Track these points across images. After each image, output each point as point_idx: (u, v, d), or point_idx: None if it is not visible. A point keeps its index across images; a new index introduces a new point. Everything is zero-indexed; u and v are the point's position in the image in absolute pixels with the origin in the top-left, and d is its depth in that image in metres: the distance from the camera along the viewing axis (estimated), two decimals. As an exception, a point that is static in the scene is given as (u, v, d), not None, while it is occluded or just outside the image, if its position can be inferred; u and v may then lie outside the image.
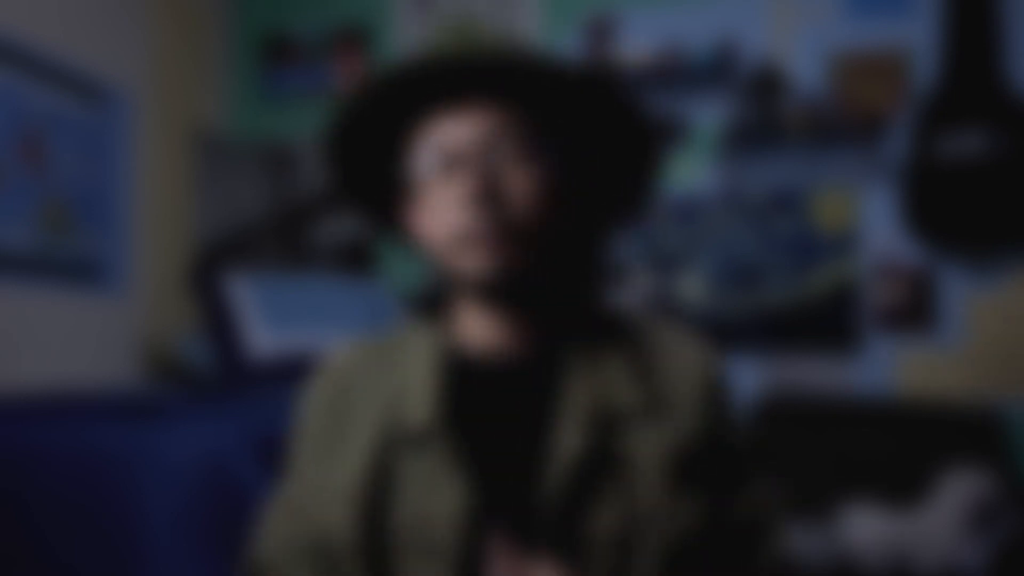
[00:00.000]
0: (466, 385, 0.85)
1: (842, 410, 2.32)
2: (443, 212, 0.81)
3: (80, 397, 2.01)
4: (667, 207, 2.64)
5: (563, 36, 2.79)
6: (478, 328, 0.86)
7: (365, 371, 0.89)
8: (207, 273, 2.41)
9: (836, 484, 2.10)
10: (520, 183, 0.81)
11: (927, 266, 2.43)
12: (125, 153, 2.63)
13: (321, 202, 2.91)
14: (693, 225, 2.63)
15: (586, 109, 0.86)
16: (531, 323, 0.86)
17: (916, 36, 2.47)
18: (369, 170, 0.91)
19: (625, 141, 0.89)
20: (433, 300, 0.93)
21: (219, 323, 2.31)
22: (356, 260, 2.90)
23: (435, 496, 0.80)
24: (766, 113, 2.57)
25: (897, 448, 2.14)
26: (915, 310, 2.43)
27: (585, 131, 0.87)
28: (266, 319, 2.34)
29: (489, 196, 0.79)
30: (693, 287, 2.62)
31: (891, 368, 2.45)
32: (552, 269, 0.88)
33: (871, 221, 2.49)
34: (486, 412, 0.84)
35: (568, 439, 0.80)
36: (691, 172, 2.63)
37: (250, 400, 1.95)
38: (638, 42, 2.70)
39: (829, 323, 2.49)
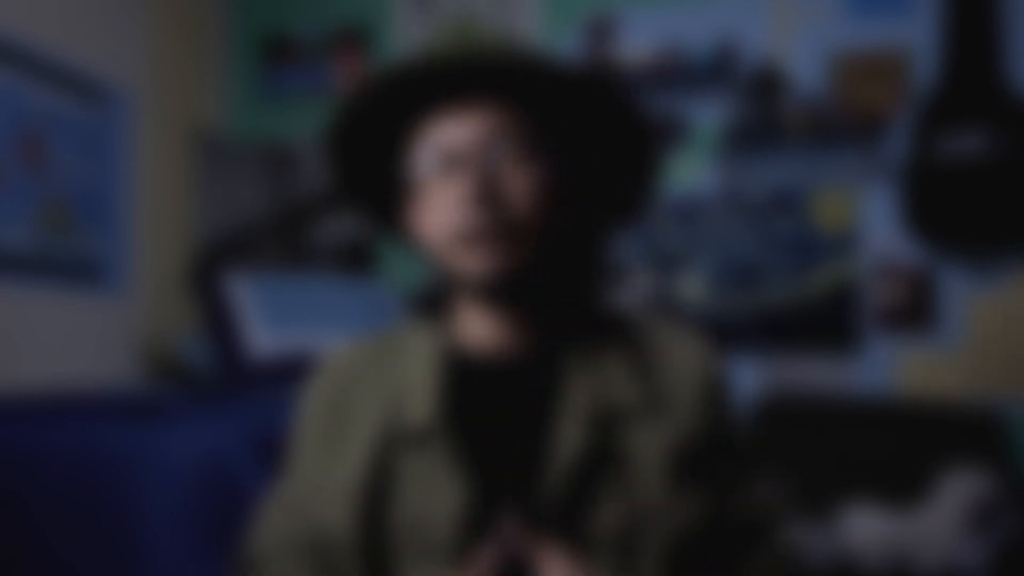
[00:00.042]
0: (466, 384, 0.85)
1: (842, 410, 2.32)
2: (443, 212, 0.82)
3: (80, 397, 2.01)
4: (667, 207, 2.64)
5: (563, 36, 2.79)
6: (478, 328, 0.86)
7: (365, 370, 0.90)
8: (207, 273, 2.41)
9: (836, 484, 2.10)
10: (519, 183, 0.81)
11: (927, 266, 2.43)
12: (125, 153, 2.63)
13: (321, 202, 2.91)
14: (693, 225, 2.63)
15: (586, 109, 0.86)
16: (531, 323, 0.86)
17: (916, 36, 2.47)
18: (369, 170, 0.91)
19: (625, 141, 0.89)
20: (433, 300, 0.93)
21: (219, 323, 2.31)
22: (356, 260, 2.90)
23: (435, 495, 0.80)
24: (766, 113, 2.57)
25: (897, 448, 2.14)
26: (915, 310, 2.43)
27: (585, 131, 0.88)
28: (266, 319, 2.34)
29: (488, 196, 0.79)
30: (693, 287, 2.62)
31: (891, 368, 2.45)
32: (552, 269, 0.88)
33: (871, 221, 2.49)
34: (486, 411, 0.84)
35: (568, 438, 0.80)
36: (691, 172, 2.63)
37: (250, 400, 1.95)
38: (638, 42, 2.70)
39: (829, 323, 2.49)
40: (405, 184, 0.88)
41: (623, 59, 2.70)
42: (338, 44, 3.01)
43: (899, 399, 2.38)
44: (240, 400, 1.97)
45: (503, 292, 0.83)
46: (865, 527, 2.00)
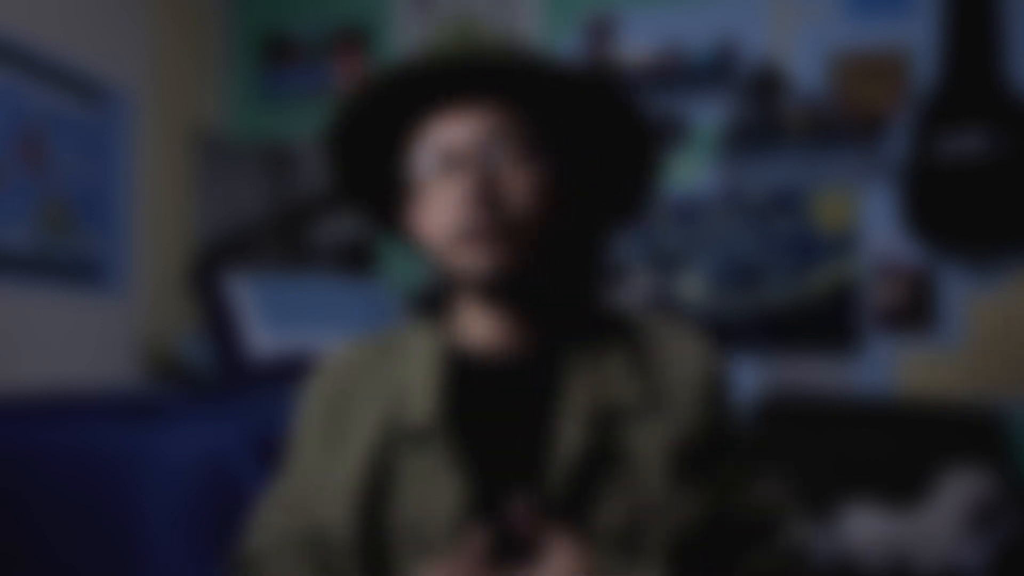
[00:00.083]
0: (466, 384, 0.86)
1: (842, 410, 2.32)
2: (442, 211, 0.82)
3: (80, 397, 2.01)
4: (667, 207, 2.64)
5: (563, 36, 2.79)
6: (478, 327, 0.86)
7: (365, 370, 0.90)
8: (207, 273, 2.41)
9: (836, 484, 2.10)
10: (519, 183, 0.81)
11: (927, 266, 2.43)
12: (125, 153, 2.63)
13: (321, 202, 2.91)
14: (693, 225, 2.63)
15: (586, 109, 0.86)
16: (531, 322, 0.86)
17: (916, 36, 2.47)
18: (369, 170, 0.91)
19: (625, 141, 0.89)
20: (433, 300, 0.94)
21: (219, 323, 2.31)
22: (356, 260, 2.90)
23: (435, 494, 0.80)
24: (766, 113, 2.57)
25: (897, 448, 2.14)
26: (915, 310, 2.43)
27: (585, 131, 0.88)
28: (266, 319, 2.34)
29: (488, 196, 0.79)
30: (693, 287, 2.62)
31: (891, 368, 2.45)
32: (552, 268, 0.88)
33: (871, 221, 2.49)
34: (486, 411, 0.85)
35: (569, 437, 0.80)
36: (691, 172, 2.64)
37: (250, 400, 1.95)
38: (638, 42, 2.70)
39: (829, 323, 2.49)
40: (405, 184, 0.88)
41: (623, 59, 2.70)
42: (338, 44, 3.01)
43: (899, 399, 2.38)
44: (240, 400, 1.97)
45: (503, 290, 0.83)
46: (865, 527, 2.00)
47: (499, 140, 0.81)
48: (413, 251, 0.95)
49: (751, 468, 0.88)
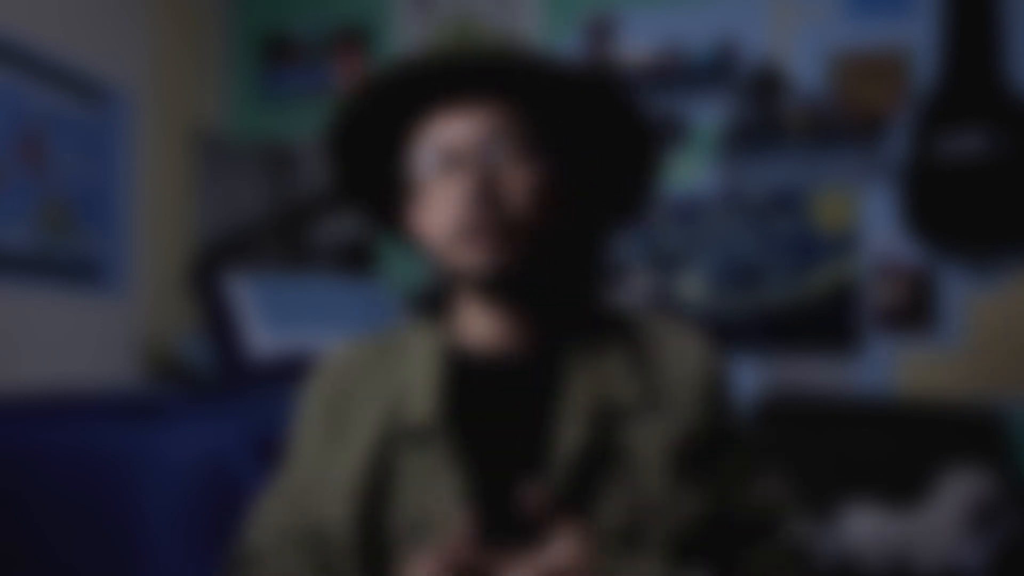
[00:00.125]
0: (467, 383, 0.86)
1: (842, 410, 2.32)
2: (443, 210, 0.82)
3: (80, 397, 2.01)
4: (667, 207, 2.64)
5: (563, 36, 2.79)
6: (479, 326, 0.86)
7: (365, 369, 0.90)
8: (207, 273, 2.41)
9: (836, 484, 2.10)
10: (519, 182, 0.81)
11: (927, 266, 2.43)
12: (125, 153, 2.63)
13: (321, 202, 2.91)
14: (693, 225, 2.63)
15: (586, 109, 0.86)
16: (531, 321, 0.86)
17: (916, 36, 2.47)
18: (369, 169, 0.91)
19: (625, 141, 0.89)
20: (434, 299, 0.94)
21: (219, 323, 2.31)
22: (356, 260, 2.90)
23: (435, 493, 0.80)
24: (766, 113, 2.57)
25: (897, 448, 2.14)
26: (915, 310, 2.43)
27: (585, 131, 0.88)
28: (266, 319, 2.34)
29: (488, 195, 0.79)
30: (693, 287, 2.62)
31: (891, 368, 2.45)
32: (552, 268, 0.88)
33: (871, 221, 2.49)
34: (487, 410, 0.85)
35: (569, 435, 0.80)
36: (691, 172, 2.64)
37: (250, 400, 1.95)
38: (638, 42, 2.70)
39: (829, 323, 2.49)
40: (405, 183, 0.88)
41: (623, 59, 2.70)
42: (338, 44, 3.01)
43: (899, 399, 2.38)
44: (240, 400, 1.97)
45: (502, 289, 0.83)
46: (865, 527, 2.00)
47: (499, 139, 0.81)
48: (413, 251, 0.95)
49: (752, 466, 0.88)
